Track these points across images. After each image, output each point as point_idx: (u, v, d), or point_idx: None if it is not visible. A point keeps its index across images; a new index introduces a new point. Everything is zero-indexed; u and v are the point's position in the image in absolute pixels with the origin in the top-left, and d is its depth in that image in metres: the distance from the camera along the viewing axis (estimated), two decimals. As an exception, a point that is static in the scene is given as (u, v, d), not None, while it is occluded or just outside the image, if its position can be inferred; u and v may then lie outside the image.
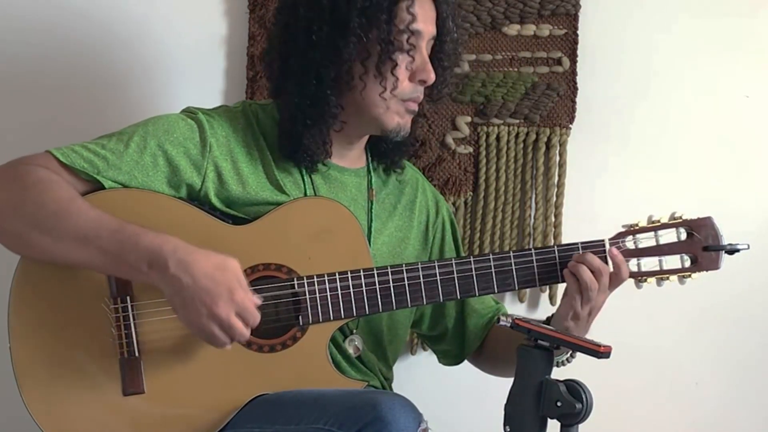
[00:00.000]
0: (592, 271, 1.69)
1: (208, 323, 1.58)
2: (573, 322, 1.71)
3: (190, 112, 1.80)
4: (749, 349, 2.36)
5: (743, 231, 2.25)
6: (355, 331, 1.83)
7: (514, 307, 2.31)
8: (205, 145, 1.75)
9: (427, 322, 1.98)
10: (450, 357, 2.02)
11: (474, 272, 1.72)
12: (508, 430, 1.47)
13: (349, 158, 1.87)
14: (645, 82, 2.33)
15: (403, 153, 1.92)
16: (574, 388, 1.44)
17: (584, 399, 1.43)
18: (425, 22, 1.75)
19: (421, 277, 1.72)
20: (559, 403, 1.43)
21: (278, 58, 1.79)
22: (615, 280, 1.71)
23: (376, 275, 1.71)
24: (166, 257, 1.58)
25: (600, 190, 2.34)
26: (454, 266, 1.72)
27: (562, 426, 1.45)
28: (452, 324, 1.96)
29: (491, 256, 1.73)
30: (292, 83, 1.76)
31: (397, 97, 1.75)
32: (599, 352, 1.44)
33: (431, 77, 1.75)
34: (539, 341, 1.48)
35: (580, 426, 1.45)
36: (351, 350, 1.82)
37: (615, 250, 1.71)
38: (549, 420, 1.46)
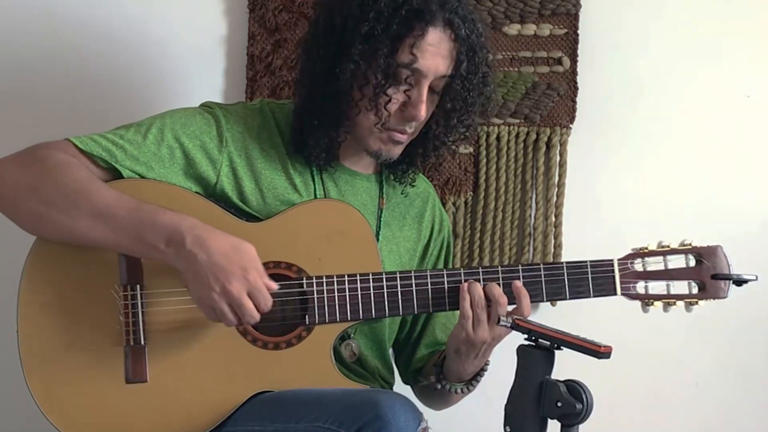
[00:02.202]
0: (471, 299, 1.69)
1: (219, 300, 1.58)
2: (464, 345, 1.72)
3: (207, 107, 1.81)
4: (750, 350, 2.36)
5: (743, 231, 2.28)
6: (352, 335, 1.83)
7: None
8: (221, 139, 1.75)
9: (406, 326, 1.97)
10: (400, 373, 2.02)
11: (482, 284, 1.71)
12: (509, 430, 1.47)
13: (362, 164, 1.87)
14: (645, 81, 2.33)
15: (413, 166, 1.89)
16: (575, 389, 1.44)
17: (585, 399, 1.43)
18: (434, 60, 1.69)
19: (429, 284, 1.72)
20: (559, 404, 1.43)
21: (300, 55, 1.80)
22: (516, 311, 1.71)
23: (384, 279, 1.71)
24: (184, 234, 1.59)
25: (600, 189, 2.34)
26: (462, 276, 1.72)
27: (562, 426, 1.45)
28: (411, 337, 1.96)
29: (500, 269, 1.73)
30: (304, 85, 1.77)
31: (385, 127, 1.73)
32: (599, 352, 1.44)
33: (419, 116, 1.72)
34: (540, 341, 1.48)
35: (581, 426, 1.44)
36: (346, 354, 1.81)
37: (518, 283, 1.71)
38: (549, 420, 1.46)
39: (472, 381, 1.80)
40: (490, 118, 2.08)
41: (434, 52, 1.69)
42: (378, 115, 1.71)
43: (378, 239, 1.84)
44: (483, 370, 1.79)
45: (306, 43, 1.77)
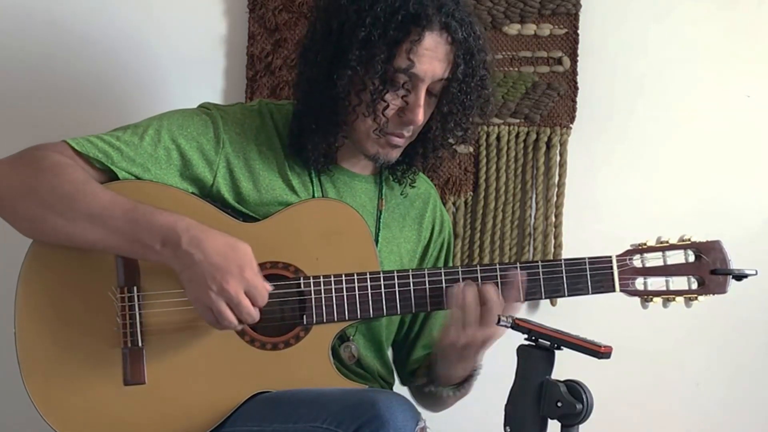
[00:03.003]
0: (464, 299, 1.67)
1: (216, 300, 1.58)
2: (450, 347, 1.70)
3: (205, 108, 1.80)
4: (750, 350, 2.36)
5: (743, 231, 2.28)
6: (352, 337, 1.82)
7: (514, 307, 2.30)
8: (218, 141, 1.75)
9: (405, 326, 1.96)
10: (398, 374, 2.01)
11: (480, 282, 1.71)
12: (509, 430, 1.47)
13: (361, 165, 1.86)
14: (645, 81, 2.33)
15: (412, 167, 1.88)
16: (575, 389, 1.43)
17: (585, 399, 1.42)
18: (431, 64, 1.67)
19: (426, 283, 1.72)
20: (559, 404, 1.43)
21: (298, 59, 1.79)
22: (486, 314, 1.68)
23: (382, 279, 1.71)
24: (179, 234, 1.59)
25: (600, 189, 2.34)
26: (460, 274, 1.72)
27: (562, 426, 1.44)
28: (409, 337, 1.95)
29: (497, 266, 1.72)
30: (302, 89, 1.76)
31: (383, 131, 1.73)
32: (600, 352, 1.44)
33: (417, 120, 1.71)
34: (540, 341, 1.48)
35: (581, 426, 1.44)
36: (346, 356, 1.81)
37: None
38: (549, 420, 1.46)
39: (463, 384, 1.79)
40: (489, 119, 2.07)
41: (431, 56, 1.68)
42: (376, 121, 1.70)
43: (377, 241, 1.84)
44: (475, 373, 1.79)
45: (303, 47, 1.77)
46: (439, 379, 1.79)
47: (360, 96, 1.69)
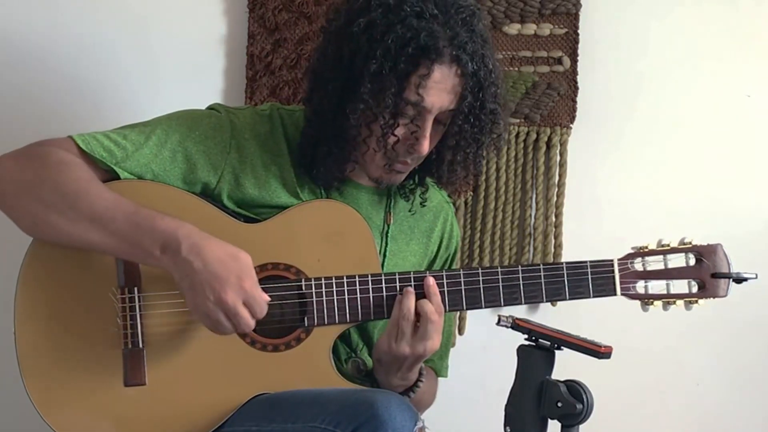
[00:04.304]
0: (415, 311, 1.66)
1: (214, 309, 1.57)
2: (386, 356, 1.69)
3: (216, 111, 1.78)
4: (750, 350, 2.36)
5: (744, 231, 2.28)
6: (359, 351, 1.82)
7: (514, 308, 2.30)
8: (225, 145, 1.74)
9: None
10: None
11: (481, 284, 1.70)
12: (509, 430, 1.47)
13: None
14: (645, 81, 2.33)
15: (422, 186, 1.86)
16: (575, 389, 1.44)
17: (585, 399, 1.43)
18: (439, 96, 1.65)
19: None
20: (559, 404, 1.43)
21: (309, 78, 1.76)
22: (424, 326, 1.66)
23: (383, 281, 1.70)
24: (180, 241, 1.58)
25: (600, 189, 2.34)
26: (462, 277, 1.71)
27: (562, 426, 1.45)
28: None
29: (499, 269, 1.71)
30: (315, 113, 1.73)
31: (390, 163, 1.71)
32: (600, 352, 1.44)
33: (422, 151, 1.69)
34: (540, 341, 1.48)
35: (581, 426, 1.44)
36: (353, 369, 1.80)
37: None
38: (549, 420, 1.46)
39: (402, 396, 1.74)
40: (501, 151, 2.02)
41: (439, 89, 1.65)
42: (386, 155, 1.70)
43: (384, 256, 1.82)
44: (416, 386, 1.76)
45: (314, 70, 1.74)
46: (379, 384, 1.77)
47: (371, 127, 1.68)
